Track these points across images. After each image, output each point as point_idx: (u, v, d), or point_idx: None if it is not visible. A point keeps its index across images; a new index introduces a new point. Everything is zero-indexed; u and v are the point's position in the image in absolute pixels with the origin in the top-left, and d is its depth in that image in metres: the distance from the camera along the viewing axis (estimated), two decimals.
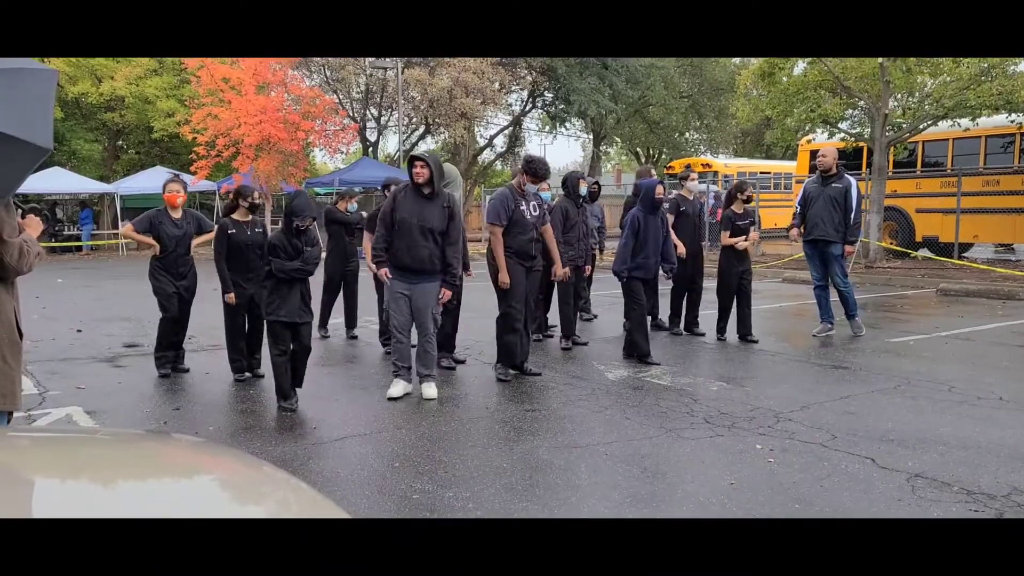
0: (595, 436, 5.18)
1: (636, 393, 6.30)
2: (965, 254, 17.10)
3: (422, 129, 33.43)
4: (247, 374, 6.87)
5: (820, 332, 8.64)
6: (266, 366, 6.39)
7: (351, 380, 6.98)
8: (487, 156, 38.66)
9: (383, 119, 34.20)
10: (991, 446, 4.89)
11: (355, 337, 8.92)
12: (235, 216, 6.76)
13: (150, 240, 6.86)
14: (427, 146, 42.72)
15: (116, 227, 26.26)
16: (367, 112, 33.44)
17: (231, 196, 6.90)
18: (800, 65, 18.20)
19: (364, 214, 8.88)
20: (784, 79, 17.60)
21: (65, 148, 27.69)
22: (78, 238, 27.01)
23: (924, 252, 17.44)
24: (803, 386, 6.50)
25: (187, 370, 7.18)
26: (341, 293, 9.01)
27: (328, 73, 30.01)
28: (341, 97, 31.43)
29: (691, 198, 9.12)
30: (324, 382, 6.80)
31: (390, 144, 42.12)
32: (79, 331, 9.41)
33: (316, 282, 6.41)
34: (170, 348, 7.07)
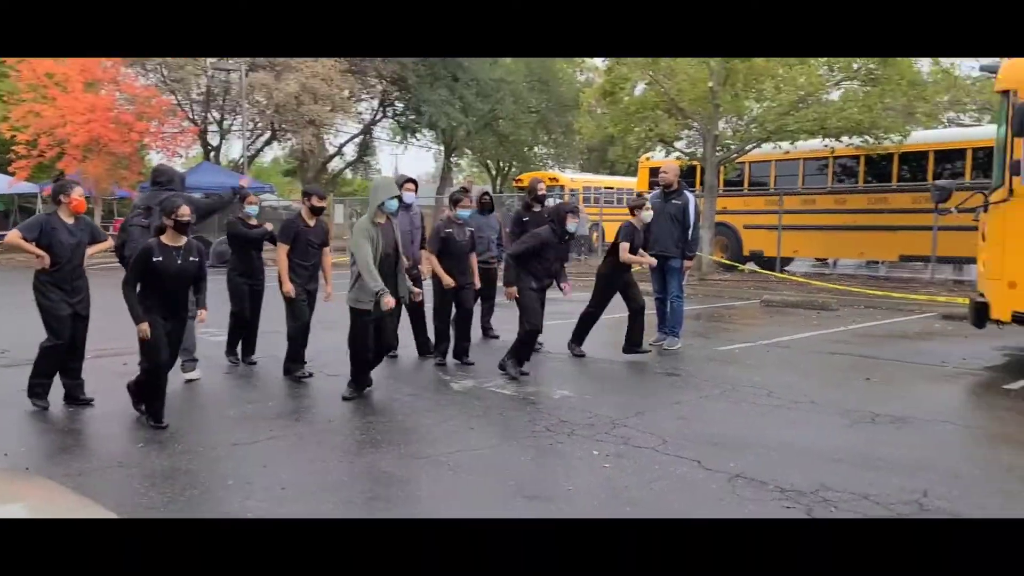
0: (438, 447, 5.20)
1: (480, 403, 6.38)
2: (786, 267, 18.42)
3: (268, 135, 32.49)
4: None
5: (657, 341, 9.06)
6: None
7: (190, 395, 6.67)
8: (337, 165, 38.06)
9: (226, 123, 32.96)
10: (803, 447, 5.30)
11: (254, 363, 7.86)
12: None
13: (38, 250, 5.86)
14: (273, 153, 41.44)
15: None
16: (208, 115, 32.13)
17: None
18: (640, 86, 19.06)
19: (270, 226, 7.84)
20: (625, 99, 18.36)
21: None
22: None
23: (751, 266, 18.65)
24: (639, 393, 6.80)
25: (90, 402, 6.18)
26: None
27: (165, 72, 28.63)
28: (180, 98, 30.04)
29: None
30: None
31: (233, 149, 40.66)
32: None
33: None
34: (52, 376, 6.11)
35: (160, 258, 5.50)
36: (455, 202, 8.00)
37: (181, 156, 26.19)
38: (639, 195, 8.78)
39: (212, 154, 32.45)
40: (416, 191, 8.51)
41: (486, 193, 9.65)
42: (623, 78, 17.68)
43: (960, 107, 23.67)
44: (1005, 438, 5.54)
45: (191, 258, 5.66)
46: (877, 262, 19.35)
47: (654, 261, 8.63)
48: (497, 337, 9.21)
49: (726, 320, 11.74)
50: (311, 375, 7.23)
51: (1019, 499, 4.33)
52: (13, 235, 5.97)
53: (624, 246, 8.30)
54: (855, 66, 16.10)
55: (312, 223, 7.23)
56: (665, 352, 8.70)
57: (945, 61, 16.86)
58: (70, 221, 6.02)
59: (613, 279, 8.47)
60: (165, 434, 5.43)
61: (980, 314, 7.81)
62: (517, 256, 7.49)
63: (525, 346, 7.40)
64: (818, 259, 20.72)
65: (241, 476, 4.62)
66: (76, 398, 6.18)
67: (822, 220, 17.41)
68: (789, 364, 8.17)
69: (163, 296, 5.58)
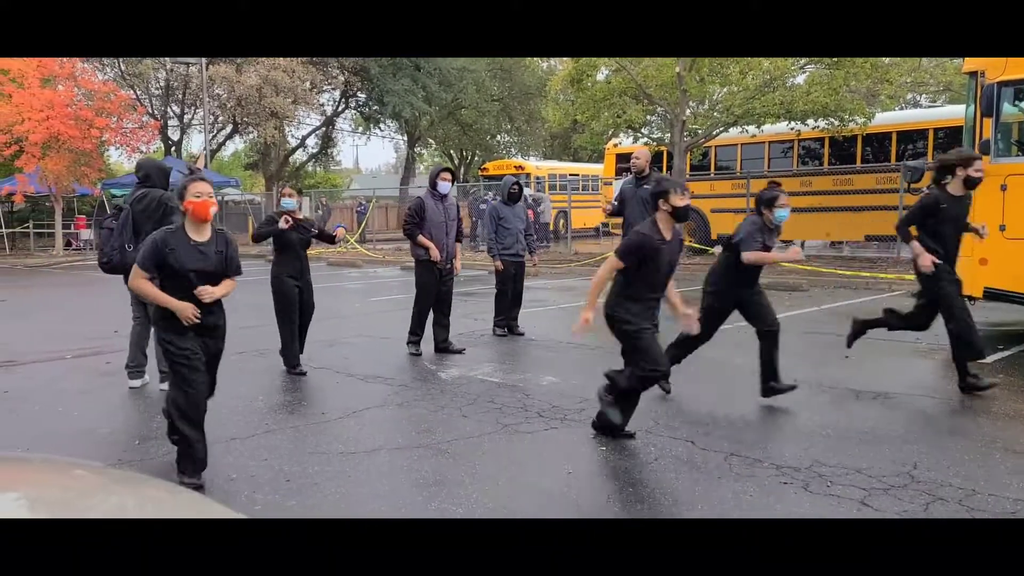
0: (435, 436, 5.24)
1: (471, 391, 6.42)
2: None
3: (229, 128, 32.08)
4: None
5: None
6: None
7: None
8: (299, 157, 37.71)
9: (186, 117, 32.47)
10: (793, 424, 5.43)
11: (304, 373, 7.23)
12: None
13: (170, 300, 4.32)
14: (235, 146, 40.86)
15: None
16: (168, 109, 31.64)
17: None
18: (604, 72, 19.12)
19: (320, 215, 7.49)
20: (591, 85, 18.44)
21: None
22: None
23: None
24: None
25: None
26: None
27: (123, 67, 28.13)
28: (139, 93, 29.54)
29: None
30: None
31: (194, 143, 40.04)
32: None
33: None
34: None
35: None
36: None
37: (142, 151, 25.76)
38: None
39: (173, 149, 31.98)
40: (453, 181, 8.04)
41: (516, 183, 9.11)
42: (590, 65, 17.75)
43: (923, 88, 24.10)
44: (983, 410, 5.72)
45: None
46: (841, 243, 19.68)
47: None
48: (522, 334, 8.93)
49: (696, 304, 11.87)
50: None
51: (1002, 467, 4.48)
52: (137, 278, 4.38)
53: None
54: None
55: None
56: None
57: None
58: (203, 237, 4.43)
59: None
60: (161, 430, 5.39)
61: None
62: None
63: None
64: (783, 241, 21.02)
65: (243, 469, 4.62)
66: None
67: (789, 203, 17.64)
68: None
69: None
